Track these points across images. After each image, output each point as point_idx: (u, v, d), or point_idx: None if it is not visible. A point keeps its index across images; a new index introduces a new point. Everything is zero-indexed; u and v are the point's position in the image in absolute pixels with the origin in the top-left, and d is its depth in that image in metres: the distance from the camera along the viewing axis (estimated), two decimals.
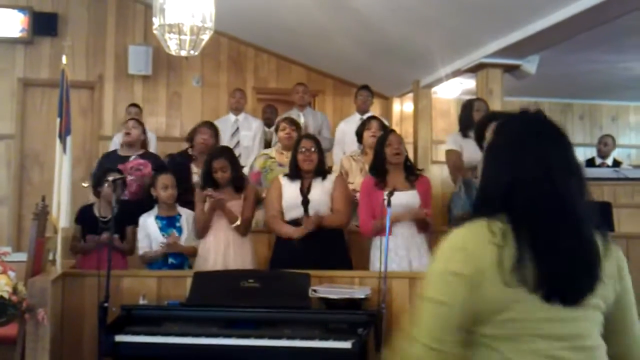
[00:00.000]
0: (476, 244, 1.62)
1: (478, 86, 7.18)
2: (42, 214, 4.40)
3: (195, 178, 5.48)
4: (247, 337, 3.72)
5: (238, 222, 4.72)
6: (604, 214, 5.78)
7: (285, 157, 5.59)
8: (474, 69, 7.12)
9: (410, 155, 8.17)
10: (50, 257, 4.63)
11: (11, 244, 7.57)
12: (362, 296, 3.99)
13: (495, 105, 6.60)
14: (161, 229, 4.80)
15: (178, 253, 4.79)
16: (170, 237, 4.73)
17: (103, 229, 4.86)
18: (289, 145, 5.59)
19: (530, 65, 7.01)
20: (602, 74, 8.58)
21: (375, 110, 9.12)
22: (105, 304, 3.83)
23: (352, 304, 3.96)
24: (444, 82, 8.14)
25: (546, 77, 7.87)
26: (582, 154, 9.66)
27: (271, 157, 5.75)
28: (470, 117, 5.88)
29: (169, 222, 4.84)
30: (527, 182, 1.65)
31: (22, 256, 4.61)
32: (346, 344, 3.58)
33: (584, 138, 10.44)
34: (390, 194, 4.04)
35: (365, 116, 6.46)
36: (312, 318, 3.89)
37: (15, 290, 3.58)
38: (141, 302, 4.12)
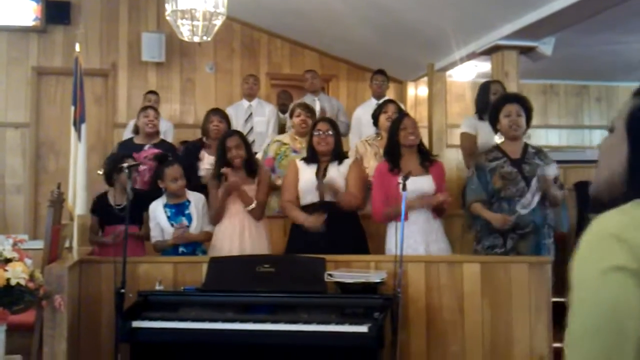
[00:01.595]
0: (637, 231, 1.20)
1: (493, 69, 7.11)
2: (58, 202, 4.42)
3: (205, 165, 5.50)
4: (264, 322, 3.72)
5: (253, 205, 4.70)
6: None
7: (299, 143, 5.57)
8: (489, 52, 7.05)
9: (425, 140, 8.13)
10: (67, 244, 4.66)
11: (27, 232, 7.62)
12: (378, 280, 3.97)
13: (511, 88, 6.54)
14: (170, 218, 4.75)
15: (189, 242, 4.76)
16: (177, 229, 4.68)
17: (119, 217, 4.86)
18: (303, 132, 5.57)
19: (546, 47, 6.93)
20: (619, 55, 8.48)
21: (389, 94, 9.09)
22: (122, 290, 3.84)
23: (367, 288, 3.95)
24: (458, 65, 8.07)
25: (562, 59, 7.79)
26: (598, 137, 9.58)
27: (285, 144, 5.73)
28: (487, 100, 5.81)
29: (177, 210, 4.79)
30: None
31: (39, 244, 4.65)
32: (362, 328, 3.57)
33: (600, 120, 10.35)
34: (406, 177, 4.00)
35: (382, 100, 6.42)
36: (328, 302, 3.88)
37: (32, 277, 3.59)
38: (157, 288, 4.13)
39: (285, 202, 4.83)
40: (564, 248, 4.91)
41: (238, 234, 4.71)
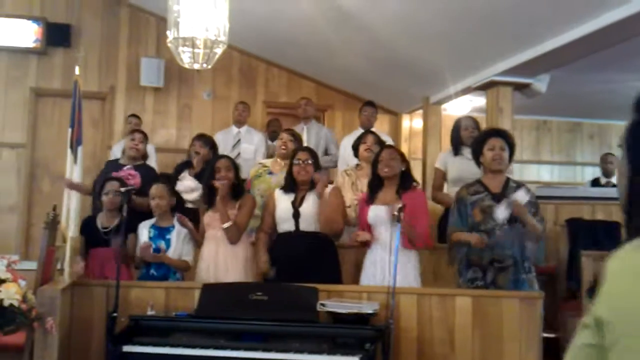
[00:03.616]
0: None
1: (488, 104, 7.19)
2: (53, 224, 4.43)
3: (184, 183, 5.72)
4: (255, 350, 3.72)
5: (229, 224, 4.65)
6: (612, 233, 5.77)
7: (278, 166, 5.62)
8: (484, 87, 7.13)
9: (419, 172, 8.24)
10: (59, 266, 4.66)
11: (19, 253, 7.59)
12: (371, 311, 3.99)
13: (505, 123, 6.61)
14: (151, 238, 4.77)
15: (161, 265, 4.71)
16: (143, 244, 4.65)
17: (104, 240, 4.88)
18: (283, 154, 5.63)
19: (540, 83, 7.02)
20: (613, 94, 8.57)
21: (384, 126, 9.18)
22: (114, 314, 3.84)
23: (360, 318, 3.96)
24: (453, 99, 8.16)
25: (556, 96, 7.87)
26: (591, 174, 9.65)
27: (265, 166, 5.79)
28: (458, 135, 5.94)
29: (159, 233, 4.81)
30: None
31: (30, 265, 4.64)
32: (354, 359, 3.58)
33: (592, 157, 10.42)
34: (401, 209, 4.06)
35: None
36: (320, 332, 3.89)
37: (24, 299, 3.60)
38: (149, 312, 4.12)
39: (259, 232, 4.94)
40: (553, 282, 4.94)
41: (213, 257, 4.71)
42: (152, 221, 4.88)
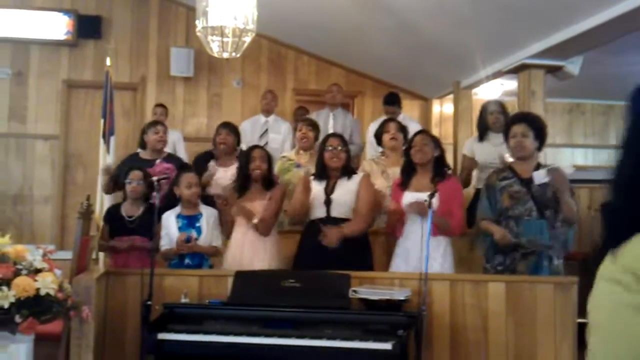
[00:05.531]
0: None
1: (520, 87, 7.09)
2: (87, 213, 4.49)
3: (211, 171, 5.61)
4: (288, 337, 3.73)
5: (255, 221, 4.68)
6: None
7: (303, 158, 5.61)
8: (516, 70, 7.03)
9: (450, 157, 8.17)
10: (93, 255, 4.72)
11: (54, 243, 7.72)
12: (402, 297, 3.98)
13: (537, 107, 6.53)
14: (180, 229, 4.76)
15: (195, 253, 4.74)
16: (180, 235, 4.66)
17: (129, 229, 4.93)
18: (305, 146, 5.61)
19: (573, 66, 6.90)
20: None
21: (414, 111, 9.13)
22: (149, 302, 3.87)
23: (392, 305, 3.95)
24: (484, 83, 8.07)
25: (589, 78, 7.74)
26: None
27: (290, 160, 5.78)
28: (484, 120, 5.89)
29: (189, 222, 4.81)
30: None
31: (66, 254, 4.70)
32: (386, 345, 3.57)
33: None
34: (432, 195, 4.04)
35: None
36: (352, 319, 3.89)
37: (61, 288, 3.65)
38: (183, 300, 4.16)
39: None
40: (587, 268, 4.84)
41: (243, 247, 4.74)
42: (176, 211, 4.86)
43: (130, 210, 5.02)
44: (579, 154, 10.32)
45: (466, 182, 6.16)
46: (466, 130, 8.45)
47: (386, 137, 5.64)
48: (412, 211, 4.56)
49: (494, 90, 9.02)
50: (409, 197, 4.62)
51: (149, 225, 4.49)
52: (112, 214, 5.11)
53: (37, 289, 3.53)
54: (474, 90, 8.66)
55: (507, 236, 4.28)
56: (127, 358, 4.25)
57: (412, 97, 9.32)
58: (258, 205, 4.75)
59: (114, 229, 5.02)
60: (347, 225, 4.63)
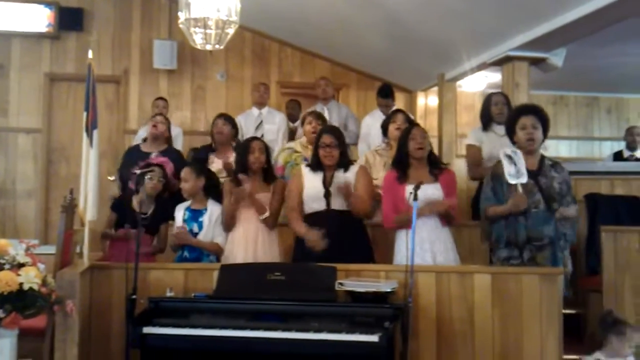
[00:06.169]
0: None
1: (504, 79, 7.11)
2: (70, 207, 4.44)
3: (213, 168, 5.58)
4: (274, 330, 3.71)
5: (266, 214, 4.72)
6: (634, 209, 5.71)
7: (310, 151, 5.58)
8: (500, 62, 7.05)
9: (435, 149, 8.14)
10: (77, 249, 4.68)
11: (38, 237, 7.66)
12: (389, 290, 3.97)
13: (521, 99, 6.54)
14: (185, 220, 4.86)
15: (193, 248, 4.79)
16: (176, 227, 4.79)
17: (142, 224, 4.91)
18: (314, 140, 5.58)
19: (557, 58, 6.93)
20: (630, 68, 8.47)
21: (399, 104, 9.11)
22: (134, 296, 3.85)
23: (378, 297, 3.95)
24: (469, 75, 8.08)
25: (573, 70, 7.78)
26: (609, 149, 9.57)
27: (296, 151, 5.76)
28: (489, 111, 5.89)
29: (194, 215, 4.88)
30: None
31: (49, 249, 4.67)
32: (373, 337, 3.57)
33: (610, 132, 10.35)
34: (417, 187, 4.00)
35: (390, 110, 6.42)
36: (338, 311, 3.88)
37: (44, 282, 3.61)
38: (168, 294, 4.13)
39: (289, 210, 4.83)
40: (572, 258, 4.88)
41: (251, 241, 4.74)
42: (187, 204, 4.96)
43: (145, 207, 5.02)
44: (563, 145, 10.37)
45: (479, 174, 5.96)
46: (450, 122, 8.47)
47: (392, 128, 5.61)
48: (435, 211, 4.53)
49: (478, 82, 9.05)
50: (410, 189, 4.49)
51: (157, 223, 5.02)
52: (121, 204, 5.16)
53: (21, 284, 3.50)
54: (459, 83, 8.68)
55: (521, 199, 4.25)
56: (112, 352, 4.21)
57: (396, 90, 9.24)
58: (260, 198, 4.76)
59: (121, 219, 5.04)
60: (354, 195, 4.62)
